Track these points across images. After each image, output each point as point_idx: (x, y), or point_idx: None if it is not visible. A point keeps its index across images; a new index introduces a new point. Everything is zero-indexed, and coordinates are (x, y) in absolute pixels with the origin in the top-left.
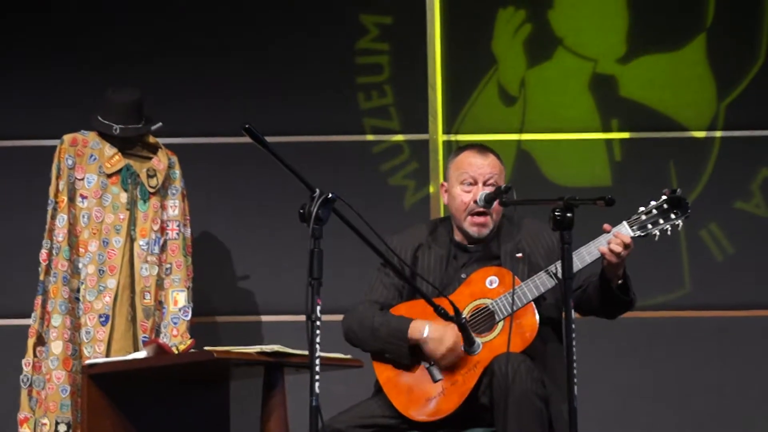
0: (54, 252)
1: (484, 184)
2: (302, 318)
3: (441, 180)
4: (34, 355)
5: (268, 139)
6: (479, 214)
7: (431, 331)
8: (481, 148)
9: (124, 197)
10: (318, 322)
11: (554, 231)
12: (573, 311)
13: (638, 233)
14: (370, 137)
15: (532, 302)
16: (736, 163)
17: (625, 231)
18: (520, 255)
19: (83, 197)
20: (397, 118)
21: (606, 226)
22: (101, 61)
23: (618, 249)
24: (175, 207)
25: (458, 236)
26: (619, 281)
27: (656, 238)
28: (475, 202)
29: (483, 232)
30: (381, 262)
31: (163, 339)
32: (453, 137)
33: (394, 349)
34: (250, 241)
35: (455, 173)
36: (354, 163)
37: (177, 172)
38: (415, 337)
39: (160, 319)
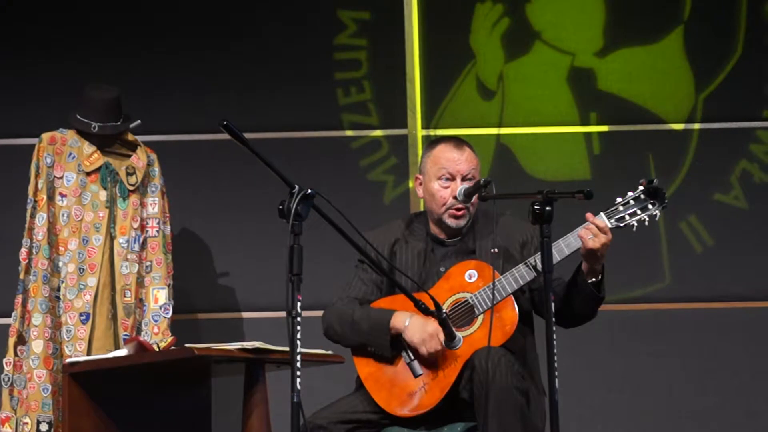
0: (34, 251)
1: (463, 179)
2: (283, 314)
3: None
4: (15, 354)
5: (247, 135)
6: (458, 209)
7: (413, 319)
8: (457, 141)
9: (103, 195)
10: (298, 318)
11: (534, 225)
12: (534, 314)
13: (616, 224)
14: (348, 133)
15: (512, 295)
16: (714, 155)
17: (600, 219)
18: (495, 250)
19: (62, 195)
20: (376, 114)
21: (588, 214)
22: (79, 59)
23: (590, 233)
24: (154, 204)
25: (434, 230)
26: (594, 279)
27: (634, 228)
28: (455, 198)
29: (461, 223)
30: (359, 258)
31: (144, 337)
32: (432, 132)
33: (376, 341)
34: (229, 237)
35: (432, 168)
36: (333, 159)
37: (156, 169)
38: (397, 326)
39: (140, 316)
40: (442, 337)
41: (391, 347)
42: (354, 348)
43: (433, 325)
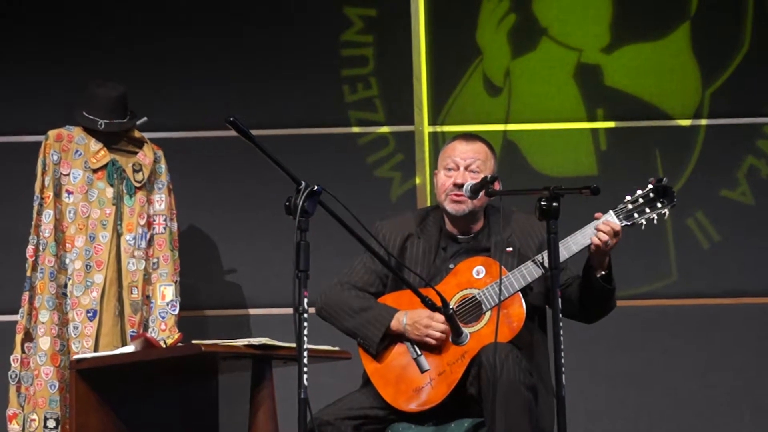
0: (41, 248)
1: (466, 169)
2: (290, 310)
3: (427, 171)
4: (22, 351)
5: (253, 132)
6: (457, 195)
7: (409, 316)
8: (470, 136)
9: (110, 192)
10: (305, 315)
11: (540, 221)
12: (548, 310)
13: (624, 222)
14: (355, 129)
15: (519, 292)
16: (721, 151)
17: (611, 220)
18: (509, 249)
19: (69, 192)
20: (383, 110)
21: (597, 214)
22: (85, 57)
23: (605, 237)
24: (161, 201)
25: (449, 226)
26: (603, 272)
27: (643, 227)
28: (455, 185)
29: (460, 209)
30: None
31: (151, 333)
32: (438, 128)
33: (367, 333)
34: (236, 234)
35: (441, 160)
36: (340, 156)
37: (163, 166)
38: (396, 327)
39: (147, 313)
40: (441, 321)
41: (379, 344)
42: (344, 331)
43: (425, 312)
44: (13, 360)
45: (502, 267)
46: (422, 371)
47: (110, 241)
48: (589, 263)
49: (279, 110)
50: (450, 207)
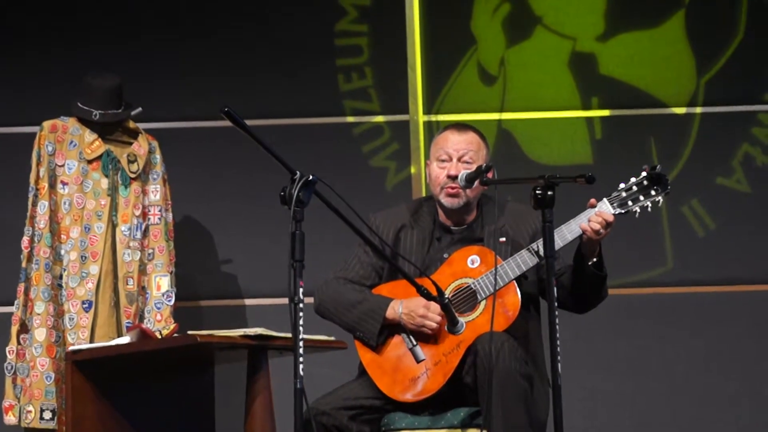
0: (36, 239)
1: (459, 160)
2: (285, 301)
3: (422, 160)
4: (18, 343)
5: (248, 122)
6: (451, 188)
7: (404, 305)
8: (462, 126)
9: (105, 183)
10: (301, 305)
11: (536, 209)
12: (541, 299)
13: (619, 210)
14: (350, 119)
15: (514, 281)
16: (716, 139)
17: (605, 209)
18: (503, 240)
19: (64, 184)
20: (377, 100)
21: (592, 200)
22: (80, 47)
23: (597, 227)
24: (156, 192)
25: (442, 217)
26: (594, 259)
27: (637, 215)
28: (449, 177)
29: (455, 202)
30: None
31: (147, 324)
32: (433, 118)
33: (366, 326)
34: (231, 224)
35: (433, 150)
36: (335, 145)
37: (158, 156)
38: (391, 316)
39: (143, 304)
40: (437, 311)
41: (379, 336)
42: (344, 327)
43: (421, 301)
44: (9, 351)
45: (497, 256)
46: (418, 361)
47: (105, 232)
48: (580, 251)
49: (274, 100)
50: (445, 201)
